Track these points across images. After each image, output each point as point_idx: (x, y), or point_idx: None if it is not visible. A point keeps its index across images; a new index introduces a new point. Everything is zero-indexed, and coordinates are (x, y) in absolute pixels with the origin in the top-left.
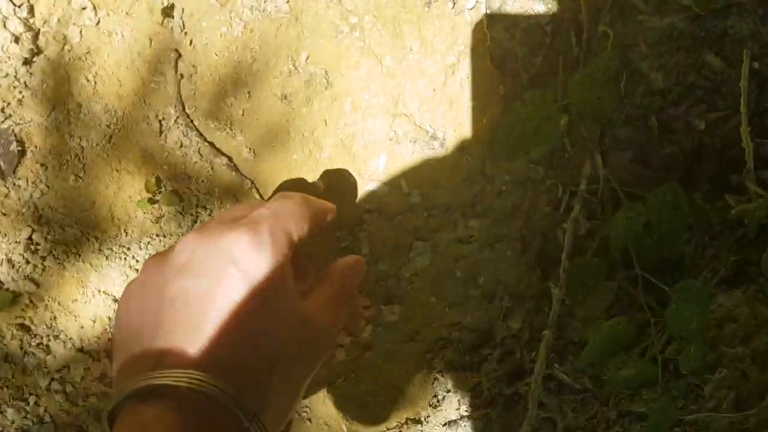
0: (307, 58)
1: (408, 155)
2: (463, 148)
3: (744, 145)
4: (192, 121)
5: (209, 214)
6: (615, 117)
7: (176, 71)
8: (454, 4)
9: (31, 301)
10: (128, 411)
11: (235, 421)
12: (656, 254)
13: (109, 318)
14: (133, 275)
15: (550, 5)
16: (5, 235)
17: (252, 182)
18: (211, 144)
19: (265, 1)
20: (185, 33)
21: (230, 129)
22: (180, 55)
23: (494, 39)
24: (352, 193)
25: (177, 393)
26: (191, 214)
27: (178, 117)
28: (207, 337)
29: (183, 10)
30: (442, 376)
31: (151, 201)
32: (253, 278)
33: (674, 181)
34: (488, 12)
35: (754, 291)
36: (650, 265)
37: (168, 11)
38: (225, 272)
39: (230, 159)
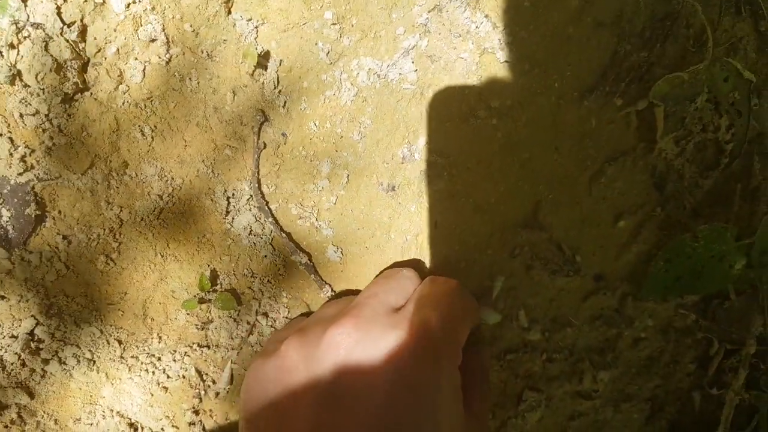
0: (427, 143)
1: (534, 279)
2: (601, 277)
3: None
4: (268, 204)
5: (271, 325)
6: None
7: (258, 138)
8: (622, 101)
9: (19, 416)
10: None
11: None
12: None
13: None
14: (160, 394)
15: (733, 120)
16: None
17: (333, 290)
18: (289, 235)
19: (388, 65)
20: (279, 91)
21: (316, 220)
22: (267, 119)
23: (661, 151)
24: None
25: None
26: (247, 323)
27: (251, 196)
28: None
29: (281, 62)
30: None
31: (202, 301)
32: (427, 395)
33: None
34: (664, 118)
35: None
36: None
37: (262, 60)
38: (392, 390)
39: (310, 257)
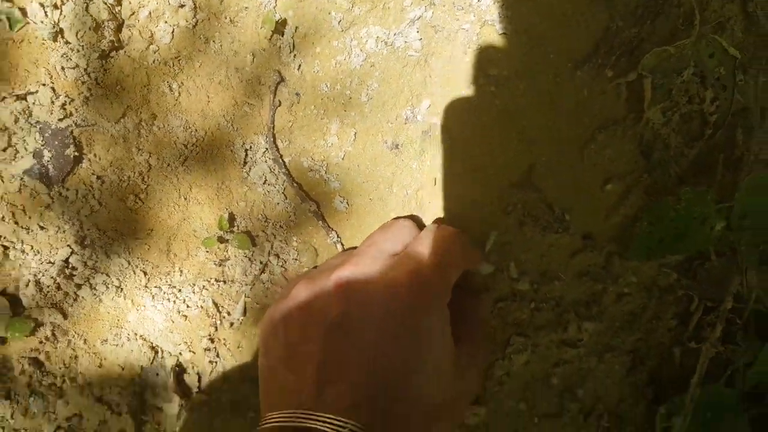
0: (430, 106)
1: (526, 235)
2: (589, 236)
3: None
4: (282, 157)
5: (281, 265)
6: None
7: (274, 96)
8: (613, 72)
9: (52, 334)
10: None
11: None
12: None
13: (142, 368)
14: (180, 321)
15: (718, 94)
16: (38, 252)
17: (338, 236)
18: (300, 186)
19: (395, 34)
20: (294, 55)
21: (325, 172)
22: (283, 79)
23: (648, 120)
24: None
25: None
26: (260, 262)
27: (267, 149)
28: (371, 383)
29: (296, 28)
30: None
31: (221, 240)
32: (417, 328)
33: None
34: (652, 89)
35: None
36: None
37: (279, 26)
38: (387, 323)
39: (318, 206)
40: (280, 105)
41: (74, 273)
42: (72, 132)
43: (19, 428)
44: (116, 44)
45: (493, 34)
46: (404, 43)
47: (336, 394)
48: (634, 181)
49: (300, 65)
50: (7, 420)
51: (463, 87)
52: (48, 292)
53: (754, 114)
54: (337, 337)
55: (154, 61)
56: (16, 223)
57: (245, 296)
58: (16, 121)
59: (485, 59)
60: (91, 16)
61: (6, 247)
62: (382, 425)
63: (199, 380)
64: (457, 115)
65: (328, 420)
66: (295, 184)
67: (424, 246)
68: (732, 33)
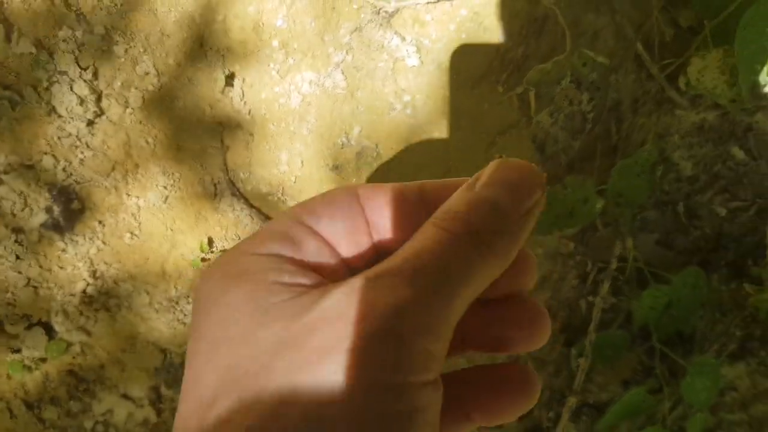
0: (360, 131)
1: None
2: None
3: None
4: (239, 189)
5: None
6: (644, 201)
7: (222, 144)
8: (503, 87)
9: (82, 350)
10: None
11: None
12: (673, 330)
13: (155, 368)
14: (180, 328)
15: (593, 94)
16: (61, 287)
17: None
18: (258, 209)
19: (324, 77)
20: (244, 102)
21: (281, 195)
22: (224, 129)
23: (538, 123)
24: None
25: None
26: None
27: (226, 183)
28: None
29: (244, 80)
30: None
31: (204, 260)
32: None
33: (696, 266)
34: (536, 98)
35: (756, 364)
36: (665, 339)
37: (229, 80)
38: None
39: None
40: (228, 149)
41: (92, 300)
42: (74, 189)
43: (65, 426)
44: (98, 112)
45: (405, 67)
46: (333, 84)
47: None
48: None
49: (250, 110)
50: (55, 421)
51: (385, 113)
52: (73, 318)
53: (626, 107)
54: None
55: (131, 122)
56: (40, 266)
57: None
58: (29, 185)
59: (400, 88)
60: (75, 93)
61: (36, 287)
62: None
63: None
64: (382, 136)
65: None
66: (253, 209)
67: None
68: (605, 41)
